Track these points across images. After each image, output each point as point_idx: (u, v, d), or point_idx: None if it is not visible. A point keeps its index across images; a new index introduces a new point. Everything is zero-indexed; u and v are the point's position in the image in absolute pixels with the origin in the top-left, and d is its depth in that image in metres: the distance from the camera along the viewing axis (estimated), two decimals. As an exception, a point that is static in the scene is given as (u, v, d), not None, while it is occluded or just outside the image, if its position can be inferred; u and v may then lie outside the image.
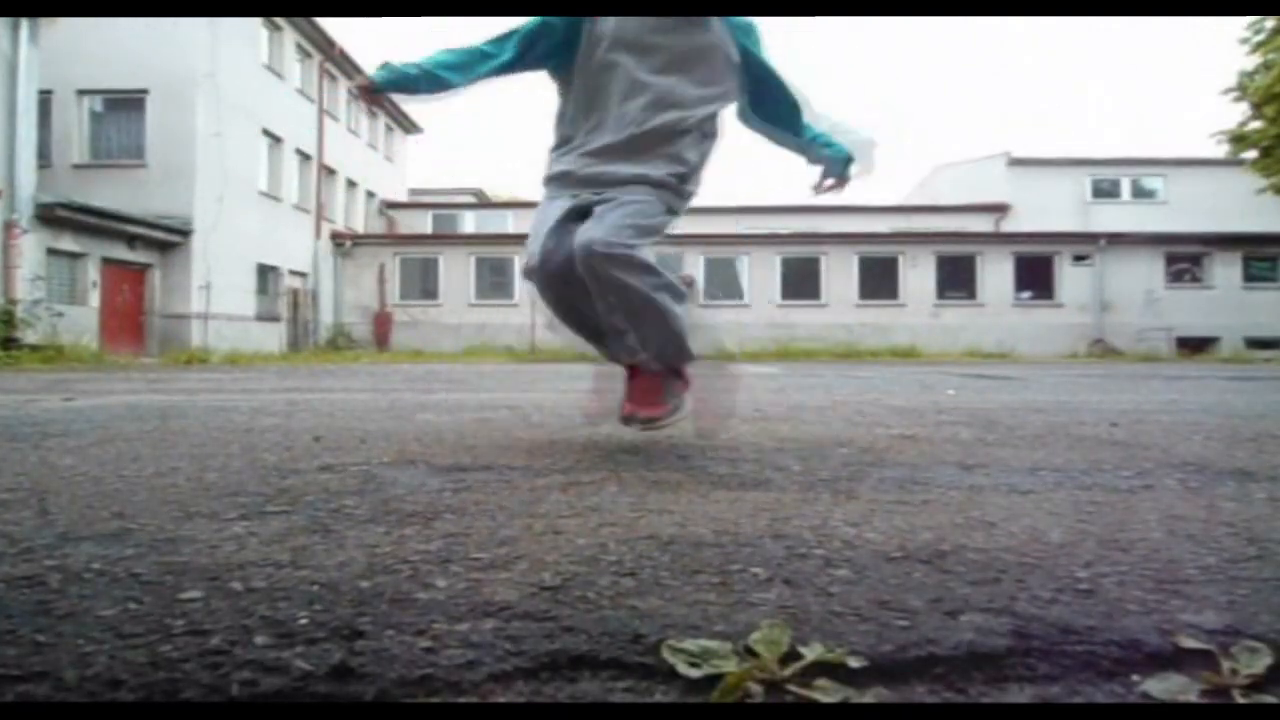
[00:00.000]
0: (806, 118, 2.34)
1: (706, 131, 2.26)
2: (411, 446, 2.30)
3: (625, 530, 1.27)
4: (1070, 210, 25.24)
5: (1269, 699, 0.69)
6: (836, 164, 2.40)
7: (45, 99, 14.23)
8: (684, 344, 2.19)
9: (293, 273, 19.96)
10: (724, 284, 21.55)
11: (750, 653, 0.76)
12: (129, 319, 15.17)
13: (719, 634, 0.81)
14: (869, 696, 0.70)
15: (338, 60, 21.83)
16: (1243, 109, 18.24)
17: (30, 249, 12.67)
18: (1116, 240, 21.39)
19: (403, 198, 28.12)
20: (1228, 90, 18.30)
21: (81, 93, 15.61)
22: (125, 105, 15.74)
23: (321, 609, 0.88)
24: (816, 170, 2.43)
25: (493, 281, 22.37)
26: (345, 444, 2.36)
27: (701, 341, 2.35)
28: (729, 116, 2.35)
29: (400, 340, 21.34)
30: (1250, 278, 21.46)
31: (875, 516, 1.39)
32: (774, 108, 2.32)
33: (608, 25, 2.15)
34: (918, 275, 21.52)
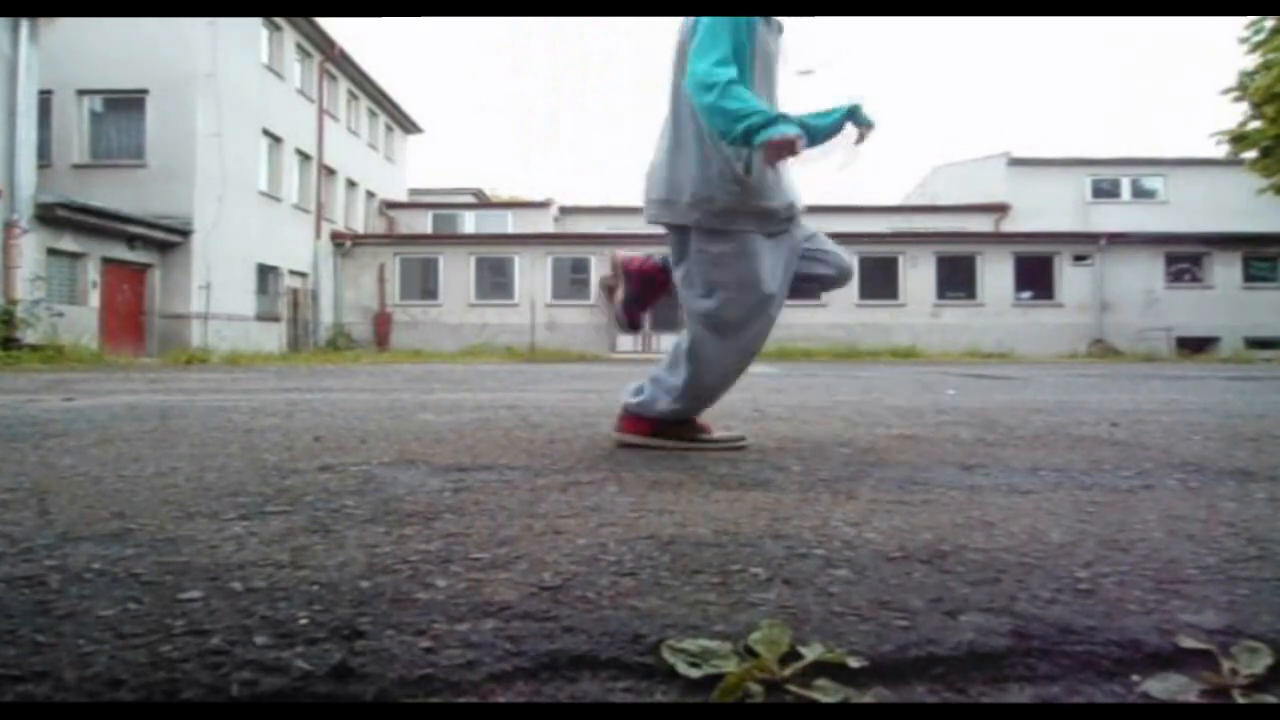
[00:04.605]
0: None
1: None
2: (411, 446, 2.30)
3: (625, 530, 1.27)
4: (1070, 210, 25.25)
5: (1269, 699, 0.69)
6: (853, 112, 2.39)
7: (45, 99, 14.23)
8: None
9: (293, 273, 19.96)
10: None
11: (750, 653, 0.76)
12: (129, 319, 15.17)
13: (719, 634, 0.81)
14: (869, 696, 0.70)
15: (338, 60, 21.83)
16: (1243, 109, 18.24)
17: (30, 249, 12.67)
18: (1116, 240, 21.39)
19: (403, 198, 28.12)
20: (1228, 90, 18.29)
21: (81, 93, 15.60)
22: (125, 105, 15.73)
23: (321, 609, 0.88)
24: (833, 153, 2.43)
25: (493, 281, 22.38)
26: (345, 444, 2.36)
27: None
28: None
29: (400, 340, 21.34)
30: (1250, 278, 21.45)
31: (875, 516, 1.39)
32: None
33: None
34: (918, 275, 21.53)
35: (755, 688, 0.70)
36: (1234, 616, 0.88)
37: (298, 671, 0.72)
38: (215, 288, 16.16)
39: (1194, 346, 20.31)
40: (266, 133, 18.54)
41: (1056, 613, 0.88)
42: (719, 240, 2.16)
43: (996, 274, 21.60)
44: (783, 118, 1.99)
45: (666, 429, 2.32)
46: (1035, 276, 21.63)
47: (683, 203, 2.18)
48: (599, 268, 22.25)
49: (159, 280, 15.70)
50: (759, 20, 2.17)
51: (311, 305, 20.78)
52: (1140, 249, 21.33)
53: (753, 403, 4.07)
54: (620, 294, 2.47)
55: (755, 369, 10.21)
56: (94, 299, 14.30)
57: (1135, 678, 0.73)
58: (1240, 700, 0.69)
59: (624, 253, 2.55)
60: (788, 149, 1.94)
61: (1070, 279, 21.51)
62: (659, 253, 2.48)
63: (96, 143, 15.89)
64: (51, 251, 13.35)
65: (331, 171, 22.12)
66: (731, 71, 2.01)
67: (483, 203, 30.60)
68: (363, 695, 0.69)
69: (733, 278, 2.16)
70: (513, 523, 1.33)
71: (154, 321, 15.63)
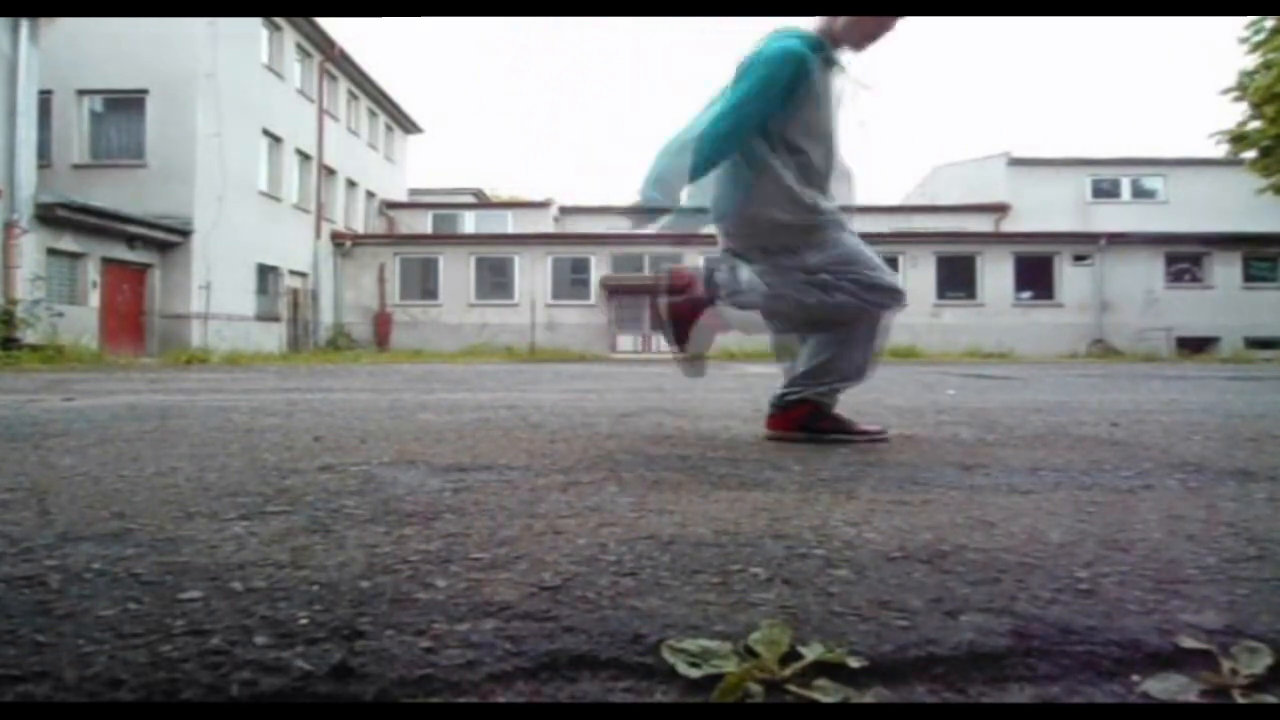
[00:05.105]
0: None
1: None
2: (411, 446, 2.30)
3: (625, 530, 1.27)
4: (1070, 210, 25.25)
5: (1269, 699, 0.69)
6: None
7: (45, 99, 14.23)
8: None
9: (293, 273, 19.97)
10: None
11: (750, 653, 0.76)
12: (129, 319, 15.17)
13: (719, 634, 0.81)
14: (869, 696, 0.70)
15: (338, 60, 21.84)
16: (1243, 109, 18.23)
17: (30, 249, 12.67)
18: (1116, 240, 21.39)
19: (403, 198, 28.12)
20: (1227, 90, 18.29)
21: (81, 93, 15.61)
22: (125, 105, 15.74)
23: (321, 609, 0.88)
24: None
25: (493, 281, 22.39)
26: (345, 444, 2.36)
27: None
28: None
29: (400, 340, 21.35)
30: (1250, 278, 21.46)
31: (875, 516, 1.39)
32: None
33: (820, 90, 2.38)
34: (918, 275, 21.53)
35: (755, 688, 0.70)
36: (1234, 616, 0.88)
37: (298, 671, 0.72)
38: (215, 288, 16.16)
39: (1194, 346, 20.32)
40: (266, 133, 18.55)
41: (1056, 613, 0.88)
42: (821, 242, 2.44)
43: (996, 274, 21.60)
44: (660, 188, 2.33)
45: (813, 421, 2.48)
46: (1035, 276, 21.64)
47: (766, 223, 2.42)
48: (599, 267, 22.26)
49: (159, 280, 15.70)
50: (810, 64, 2.30)
51: (311, 305, 20.78)
52: (1140, 249, 21.33)
53: (753, 403, 4.07)
54: (664, 307, 2.55)
55: (755, 369, 10.21)
56: (94, 299, 14.31)
57: (1135, 678, 0.73)
58: (1240, 700, 0.69)
59: (666, 282, 2.61)
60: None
61: (1070, 279, 21.52)
62: (704, 267, 2.59)
63: (96, 143, 15.90)
64: (51, 251, 13.35)
65: (331, 171, 22.13)
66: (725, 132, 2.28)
67: (483, 203, 30.61)
68: (363, 695, 0.69)
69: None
70: (513, 523, 1.33)
71: (154, 321, 15.63)
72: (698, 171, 2.31)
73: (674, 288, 2.54)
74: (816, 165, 2.41)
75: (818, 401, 2.48)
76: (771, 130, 2.36)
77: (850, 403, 4.24)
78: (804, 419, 2.48)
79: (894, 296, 2.45)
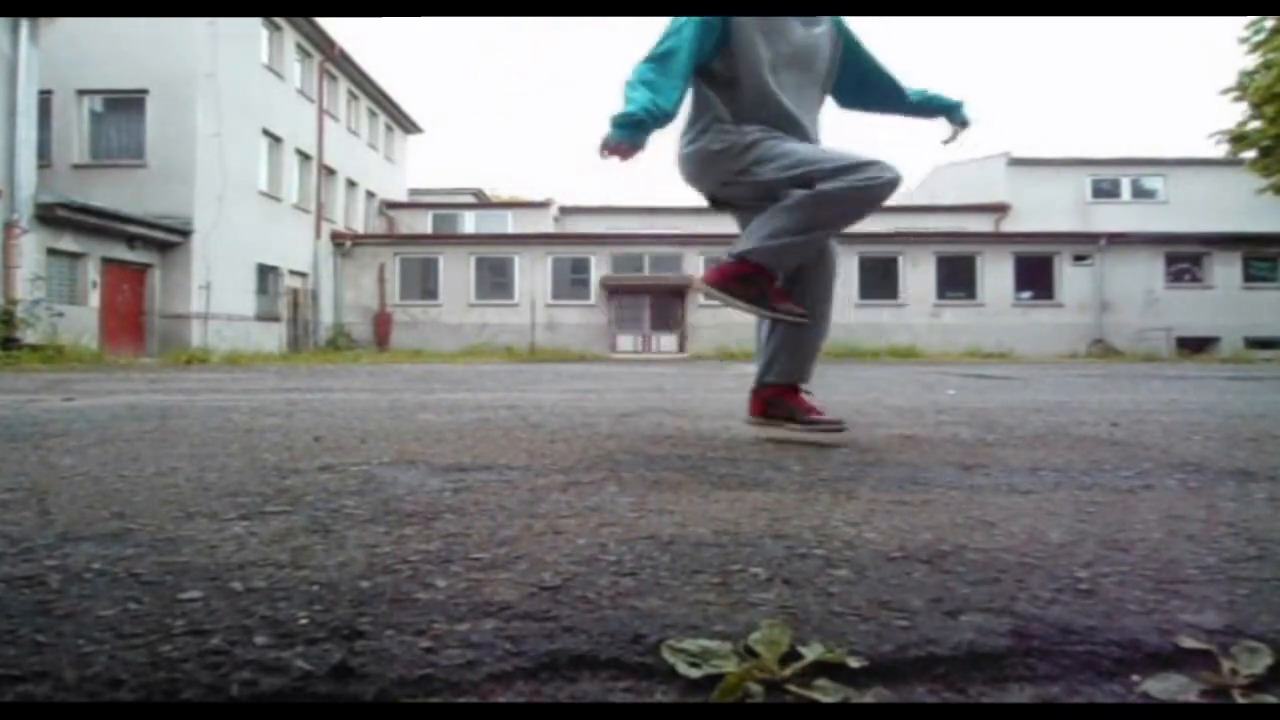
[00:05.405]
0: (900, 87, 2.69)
1: None
2: (411, 446, 2.30)
3: (625, 530, 1.27)
4: (1070, 210, 25.25)
5: (1269, 699, 0.69)
6: (953, 110, 2.72)
7: (45, 99, 14.24)
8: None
9: (293, 273, 19.97)
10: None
11: (750, 653, 0.76)
12: (129, 319, 15.17)
13: (719, 634, 0.81)
14: (869, 696, 0.70)
15: (338, 60, 21.84)
16: (1243, 109, 18.22)
17: (30, 249, 12.67)
18: (1116, 240, 21.40)
19: (403, 198, 28.13)
20: (1227, 90, 18.28)
21: (81, 93, 15.61)
22: (125, 105, 15.75)
23: (321, 609, 0.88)
24: (937, 126, 2.76)
25: (493, 281, 22.39)
26: (345, 444, 2.36)
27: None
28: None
29: (400, 340, 21.35)
30: (1250, 278, 21.47)
31: (875, 516, 1.39)
32: (875, 90, 2.70)
33: (760, 38, 2.37)
34: (918, 275, 21.54)
35: (755, 688, 0.70)
36: (1234, 616, 0.88)
37: (298, 671, 0.72)
38: (215, 288, 16.17)
39: (1194, 346, 20.33)
40: (266, 133, 18.55)
41: (1056, 613, 0.88)
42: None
43: (996, 274, 21.60)
44: (632, 122, 2.23)
45: (774, 409, 2.54)
46: (1035, 276, 21.64)
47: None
48: (599, 267, 22.27)
49: (159, 280, 15.71)
50: (738, 20, 2.34)
51: (311, 305, 20.78)
52: (1140, 249, 21.34)
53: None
54: (746, 305, 2.49)
55: (754, 369, 10.21)
56: (94, 299, 14.31)
57: (1135, 678, 0.73)
58: (1240, 700, 0.69)
59: (701, 279, 2.60)
60: (614, 151, 2.24)
61: (1070, 279, 21.53)
62: (725, 254, 2.55)
63: (96, 143, 15.90)
64: (51, 251, 13.35)
65: (331, 171, 22.13)
66: (645, 70, 2.28)
67: (483, 203, 30.61)
68: (363, 695, 0.69)
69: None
70: (513, 523, 1.33)
71: (154, 321, 15.64)
72: (628, 105, 2.26)
73: (742, 279, 2.46)
74: (749, 103, 2.39)
75: (781, 385, 2.57)
76: (708, 70, 2.41)
77: (851, 402, 4.25)
78: (765, 403, 2.59)
79: (878, 167, 2.26)
